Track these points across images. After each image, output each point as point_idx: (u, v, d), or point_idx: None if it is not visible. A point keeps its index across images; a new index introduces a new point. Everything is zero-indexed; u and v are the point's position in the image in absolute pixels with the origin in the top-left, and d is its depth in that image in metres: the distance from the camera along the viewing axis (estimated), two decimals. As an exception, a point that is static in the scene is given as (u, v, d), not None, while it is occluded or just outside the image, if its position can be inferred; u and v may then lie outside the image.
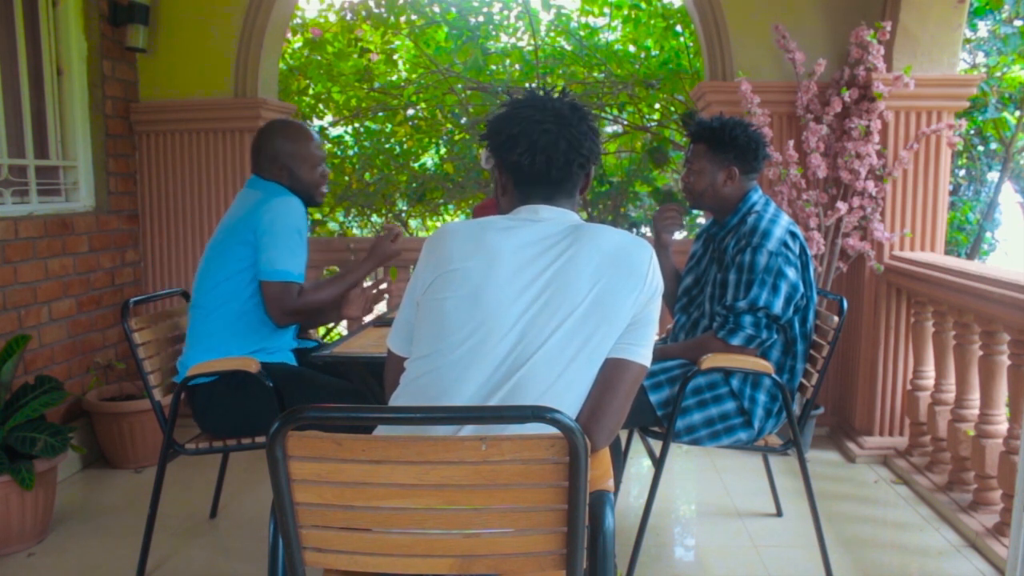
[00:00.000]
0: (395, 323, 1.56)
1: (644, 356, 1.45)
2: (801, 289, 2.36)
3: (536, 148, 1.45)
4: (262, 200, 2.42)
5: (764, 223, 2.35)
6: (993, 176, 5.87)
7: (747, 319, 2.29)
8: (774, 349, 2.39)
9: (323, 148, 2.63)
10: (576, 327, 1.38)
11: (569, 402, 1.41)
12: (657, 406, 2.33)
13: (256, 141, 2.57)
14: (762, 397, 2.36)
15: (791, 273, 2.32)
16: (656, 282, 1.46)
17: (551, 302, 1.39)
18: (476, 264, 1.41)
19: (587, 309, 1.39)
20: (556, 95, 1.50)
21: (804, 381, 2.46)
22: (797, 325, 2.40)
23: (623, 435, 2.71)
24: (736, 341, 2.29)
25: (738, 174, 2.44)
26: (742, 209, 2.46)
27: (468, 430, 1.35)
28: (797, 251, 2.36)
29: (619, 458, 2.34)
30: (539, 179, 1.49)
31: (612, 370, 1.43)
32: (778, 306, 2.29)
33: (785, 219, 2.40)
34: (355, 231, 6.20)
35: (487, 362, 1.38)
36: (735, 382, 2.36)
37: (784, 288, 2.30)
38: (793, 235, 2.37)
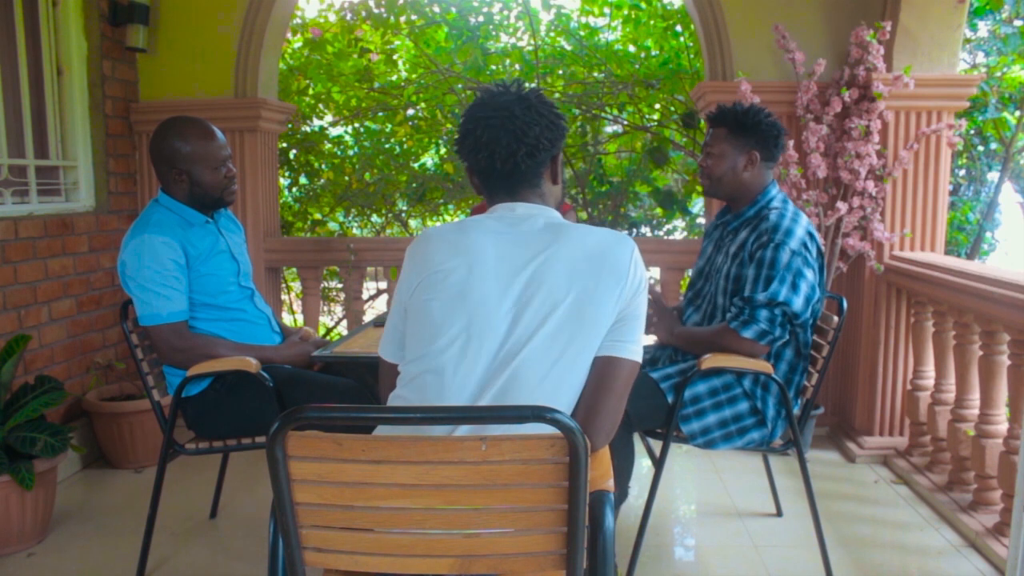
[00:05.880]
0: (385, 331, 1.57)
1: (635, 352, 1.46)
2: (818, 292, 2.35)
3: (479, 144, 1.47)
4: (123, 247, 2.35)
5: (786, 221, 2.31)
6: (993, 176, 5.86)
7: (763, 313, 2.25)
8: (788, 349, 2.38)
9: (226, 147, 2.45)
10: (559, 325, 1.39)
11: (564, 397, 1.41)
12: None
13: (151, 145, 2.42)
14: (771, 400, 2.36)
15: (810, 274, 2.29)
16: (639, 277, 1.46)
17: (533, 300, 1.39)
18: (459, 264, 1.42)
19: (569, 308, 1.39)
20: (513, 89, 1.50)
21: (805, 382, 2.46)
22: (811, 327, 2.39)
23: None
24: (748, 334, 2.26)
25: (759, 160, 2.40)
26: (760, 201, 2.42)
27: (463, 430, 1.36)
28: (814, 253, 2.34)
29: (630, 460, 2.32)
30: (490, 174, 1.51)
31: (604, 369, 1.44)
32: (797, 304, 2.26)
33: (805, 219, 2.37)
34: (355, 231, 6.20)
35: (480, 359, 1.39)
36: (747, 383, 2.35)
37: (804, 288, 2.27)
38: (811, 236, 2.34)
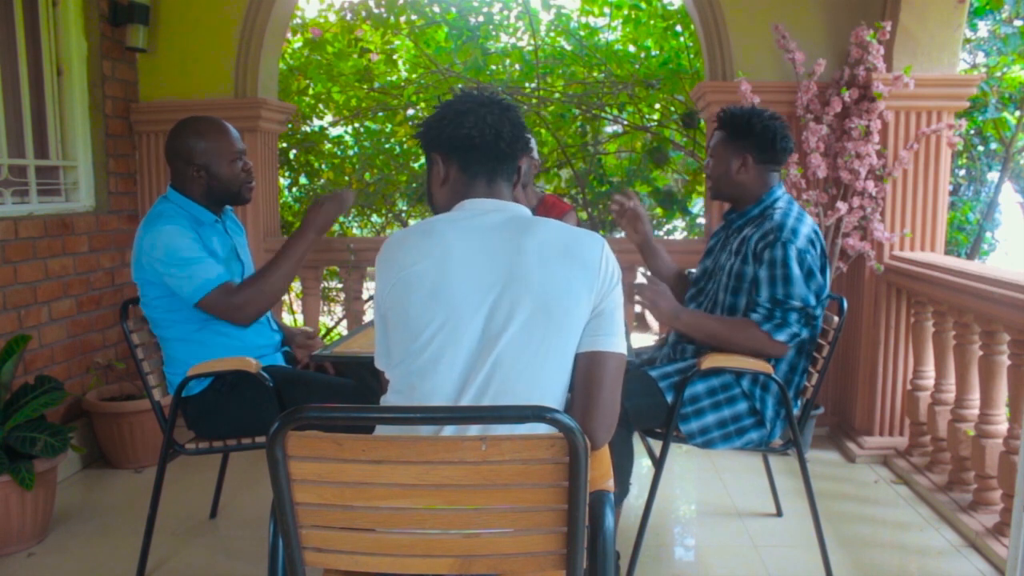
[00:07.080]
0: (375, 343, 1.57)
1: (617, 344, 1.46)
2: (826, 291, 2.37)
3: (485, 122, 1.50)
4: (140, 238, 2.34)
5: (791, 220, 2.33)
6: (993, 176, 5.87)
7: (794, 316, 2.27)
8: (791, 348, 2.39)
9: (241, 141, 2.50)
10: (534, 315, 1.39)
11: (549, 388, 1.42)
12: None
13: (167, 145, 2.44)
14: (771, 400, 2.36)
15: (819, 275, 2.32)
16: (612, 272, 1.47)
17: (506, 292, 1.39)
18: (429, 264, 1.42)
19: (541, 298, 1.40)
20: (488, 93, 1.57)
21: (805, 382, 2.46)
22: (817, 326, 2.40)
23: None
24: (782, 337, 2.27)
25: (752, 162, 2.41)
26: (765, 201, 2.43)
27: (450, 429, 1.36)
28: (818, 252, 2.35)
29: (629, 459, 2.32)
30: (488, 151, 1.51)
31: (590, 365, 1.44)
32: (816, 306, 2.29)
33: (809, 220, 2.38)
34: (355, 231, 6.20)
35: (459, 355, 1.40)
36: (745, 383, 2.35)
37: (815, 288, 2.30)
38: (816, 235, 2.36)
